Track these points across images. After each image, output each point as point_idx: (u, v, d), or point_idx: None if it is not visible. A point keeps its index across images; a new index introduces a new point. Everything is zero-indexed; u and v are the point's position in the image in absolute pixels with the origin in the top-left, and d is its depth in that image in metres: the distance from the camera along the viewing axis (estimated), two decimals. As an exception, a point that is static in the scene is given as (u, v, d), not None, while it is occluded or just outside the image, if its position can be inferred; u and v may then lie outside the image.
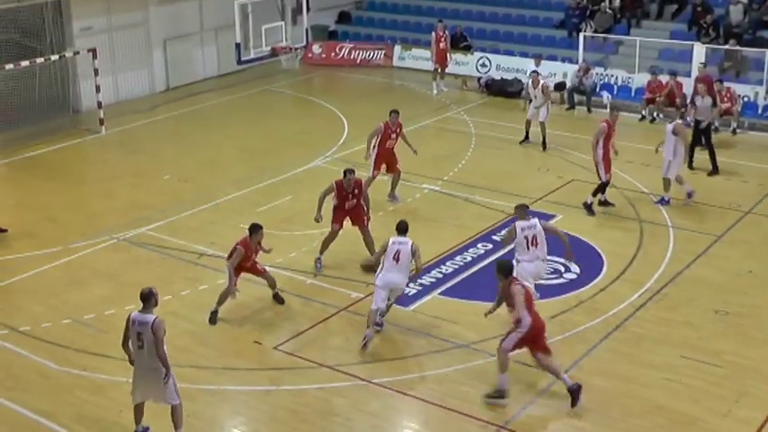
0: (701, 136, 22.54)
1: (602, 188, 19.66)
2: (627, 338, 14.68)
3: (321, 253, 17.20)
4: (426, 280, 16.56)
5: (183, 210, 20.19)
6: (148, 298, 11.90)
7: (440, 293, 16.22)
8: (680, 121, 20.28)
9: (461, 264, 17.34)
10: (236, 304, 15.56)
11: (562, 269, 16.87)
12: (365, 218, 17.25)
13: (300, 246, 18.09)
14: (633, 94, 28.37)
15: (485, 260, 17.46)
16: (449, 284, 16.54)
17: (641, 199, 20.44)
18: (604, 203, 19.80)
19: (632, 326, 15.05)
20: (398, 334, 14.85)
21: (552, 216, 19.39)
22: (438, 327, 15.06)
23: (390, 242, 14.56)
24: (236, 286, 15.24)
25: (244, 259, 15.24)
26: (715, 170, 21.94)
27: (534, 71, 25.08)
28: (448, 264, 17.32)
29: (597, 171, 19.47)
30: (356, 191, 17.09)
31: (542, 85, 24.30)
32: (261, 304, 15.84)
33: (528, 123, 24.57)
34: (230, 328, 15.16)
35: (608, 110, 21.28)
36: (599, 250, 17.84)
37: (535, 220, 14.83)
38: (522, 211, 14.98)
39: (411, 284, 15.81)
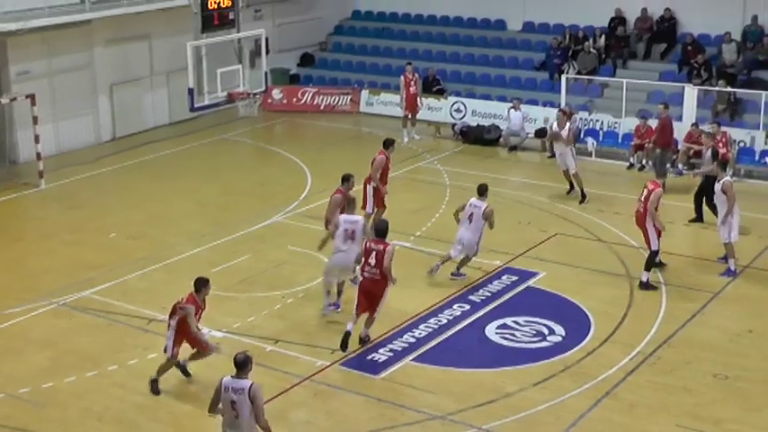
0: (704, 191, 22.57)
1: (655, 258, 19.03)
2: (618, 406, 14.66)
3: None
4: (398, 345, 16.51)
5: (132, 270, 20.07)
6: (245, 364, 11.75)
7: (413, 360, 16.15)
8: (728, 179, 19.65)
9: (436, 327, 17.31)
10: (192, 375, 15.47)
11: (546, 331, 16.90)
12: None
13: (261, 309, 18.03)
14: (620, 140, 28.63)
15: (461, 323, 17.44)
16: (423, 350, 16.47)
17: (631, 254, 20.53)
18: (658, 265, 19.46)
19: (624, 392, 15.04)
20: (368, 405, 14.77)
21: (534, 273, 19.46)
22: (411, 396, 14.99)
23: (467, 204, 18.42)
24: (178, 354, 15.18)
25: (186, 325, 14.92)
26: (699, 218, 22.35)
27: (562, 110, 25.06)
28: (421, 327, 17.28)
29: (648, 239, 18.77)
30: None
31: (571, 129, 24.34)
32: (216, 374, 15.68)
33: (566, 174, 24.40)
34: (182, 400, 15.02)
35: (655, 173, 20.74)
36: (585, 310, 17.89)
37: (359, 217, 17.39)
38: (353, 203, 17.42)
39: (381, 350, 15.81)
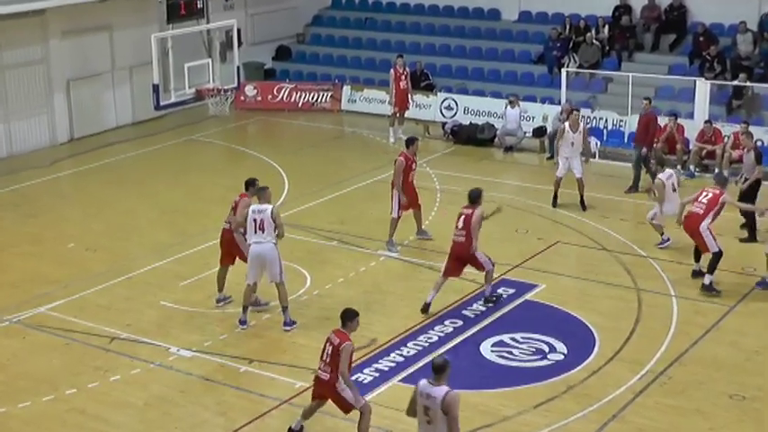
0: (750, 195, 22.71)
1: (719, 259, 19.31)
2: (626, 430, 14.68)
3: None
4: (384, 365, 16.51)
5: (92, 284, 20.03)
6: (442, 368, 11.76)
7: (401, 380, 16.15)
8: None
9: (426, 344, 17.31)
10: (156, 398, 15.44)
11: (546, 349, 16.92)
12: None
13: (234, 326, 18.00)
14: (626, 139, 28.64)
15: (454, 340, 17.46)
16: (411, 370, 16.44)
17: (638, 263, 20.61)
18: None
19: (632, 415, 15.07)
20: (353, 430, 14.74)
21: (534, 286, 19.49)
22: (399, 420, 14.94)
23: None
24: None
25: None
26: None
27: (575, 109, 25.03)
28: (410, 345, 17.28)
29: (705, 243, 19.18)
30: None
31: (584, 129, 24.28)
32: (185, 398, 15.70)
33: (558, 182, 24.14)
34: (149, 425, 14.99)
35: (715, 180, 20.43)
36: (589, 325, 17.91)
37: (268, 206, 17.58)
38: (262, 193, 17.72)
39: (366, 370, 15.84)
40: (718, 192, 19.22)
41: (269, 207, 17.63)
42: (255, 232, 17.56)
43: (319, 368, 13.85)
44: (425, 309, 18.31)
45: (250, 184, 18.47)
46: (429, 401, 11.59)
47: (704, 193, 19.35)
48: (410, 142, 21.51)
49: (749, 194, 22.14)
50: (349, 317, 13.71)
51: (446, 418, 11.49)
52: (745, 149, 23.13)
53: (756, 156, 22.23)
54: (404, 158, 21.17)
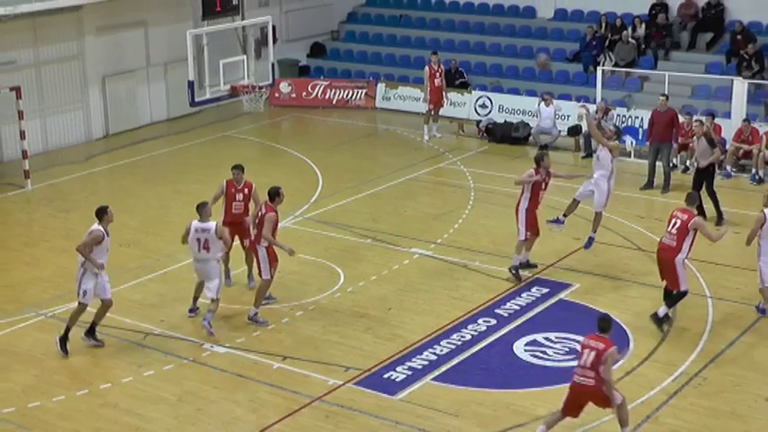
0: (702, 180, 22.81)
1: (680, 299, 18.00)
2: (660, 431, 14.67)
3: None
4: (417, 363, 16.52)
5: (125, 280, 20.10)
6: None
7: (433, 379, 16.15)
8: None
9: (459, 343, 17.31)
10: (190, 394, 15.52)
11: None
12: None
13: (267, 322, 18.07)
14: (661, 138, 28.54)
15: (487, 339, 17.44)
16: (444, 368, 16.46)
17: (674, 264, 20.50)
18: None
19: (666, 416, 15.01)
20: (384, 428, 14.77)
21: (568, 285, 19.44)
22: (432, 419, 14.98)
23: None
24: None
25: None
26: (720, 219, 22.41)
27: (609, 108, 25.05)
28: (443, 343, 17.28)
29: (676, 277, 17.49)
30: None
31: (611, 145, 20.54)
32: (218, 394, 15.75)
33: (574, 204, 20.91)
34: (182, 421, 15.05)
35: (687, 201, 18.17)
36: (623, 325, 17.81)
37: (211, 224, 17.44)
38: (202, 209, 17.48)
39: (399, 368, 15.89)
40: (686, 217, 17.25)
41: (212, 226, 17.50)
42: (200, 251, 17.49)
43: (577, 374, 13.67)
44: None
45: (275, 194, 17.90)
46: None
47: (672, 221, 17.37)
48: (539, 159, 19.68)
49: (707, 177, 22.62)
50: (608, 325, 13.83)
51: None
52: (696, 136, 23.39)
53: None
54: (531, 173, 19.48)
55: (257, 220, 17.77)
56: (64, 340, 16.94)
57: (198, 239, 17.42)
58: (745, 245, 18.02)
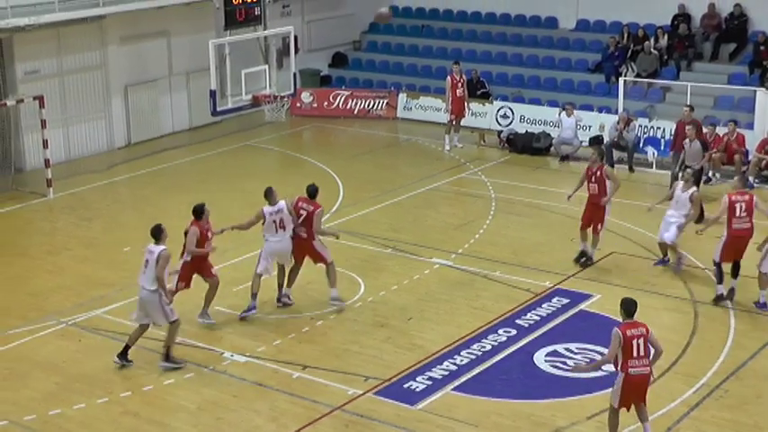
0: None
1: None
2: (680, 444, 14.61)
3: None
4: (437, 373, 16.50)
5: (146, 289, 20.14)
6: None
7: (453, 389, 16.14)
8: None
9: (479, 353, 17.28)
10: (210, 403, 15.54)
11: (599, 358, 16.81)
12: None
13: (287, 332, 18.08)
14: (684, 149, 28.47)
15: (507, 349, 17.41)
16: (464, 378, 16.45)
17: (695, 275, 20.44)
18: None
19: (687, 428, 14.96)
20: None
21: (588, 296, 19.39)
22: (451, 429, 14.97)
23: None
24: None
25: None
26: (701, 218, 22.01)
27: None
28: (463, 353, 17.26)
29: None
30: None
31: (693, 195, 20.62)
32: (238, 403, 15.78)
33: (665, 246, 21.12)
34: (202, 430, 15.08)
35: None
36: (645, 337, 17.76)
37: (282, 203, 18.31)
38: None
39: (419, 378, 15.86)
40: (747, 198, 19.07)
41: (283, 205, 18.53)
42: (276, 231, 18.44)
43: (635, 366, 13.96)
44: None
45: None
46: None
47: (735, 207, 18.93)
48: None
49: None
50: (635, 307, 14.29)
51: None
52: (689, 140, 23.64)
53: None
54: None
55: (302, 221, 18.58)
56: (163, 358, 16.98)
57: (274, 221, 18.34)
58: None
